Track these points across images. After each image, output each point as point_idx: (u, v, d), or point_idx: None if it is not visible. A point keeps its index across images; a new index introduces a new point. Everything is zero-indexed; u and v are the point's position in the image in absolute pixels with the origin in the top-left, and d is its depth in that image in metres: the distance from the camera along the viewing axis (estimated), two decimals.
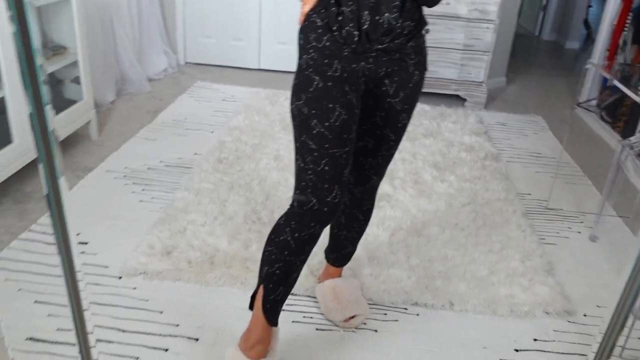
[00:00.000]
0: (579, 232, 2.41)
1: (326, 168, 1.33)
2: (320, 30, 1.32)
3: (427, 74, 4.05)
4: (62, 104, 2.80)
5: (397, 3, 1.27)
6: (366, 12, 1.26)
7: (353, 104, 1.35)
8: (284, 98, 3.60)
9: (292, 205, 1.39)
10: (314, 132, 1.32)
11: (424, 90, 4.11)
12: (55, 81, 2.96)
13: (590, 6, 6.22)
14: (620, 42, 3.60)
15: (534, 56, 5.64)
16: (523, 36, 6.22)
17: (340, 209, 1.41)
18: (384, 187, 2.54)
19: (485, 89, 3.80)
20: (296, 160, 1.38)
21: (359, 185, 1.61)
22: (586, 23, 6.23)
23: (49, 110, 0.83)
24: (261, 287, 1.44)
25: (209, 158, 2.75)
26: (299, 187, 1.37)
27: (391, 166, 2.77)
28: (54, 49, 2.78)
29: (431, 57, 3.68)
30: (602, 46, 3.80)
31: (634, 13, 3.49)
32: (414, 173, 2.73)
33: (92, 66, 3.04)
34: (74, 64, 2.85)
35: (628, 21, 3.54)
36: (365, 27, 1.28)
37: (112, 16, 3.56)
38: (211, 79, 4.06)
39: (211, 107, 3.53)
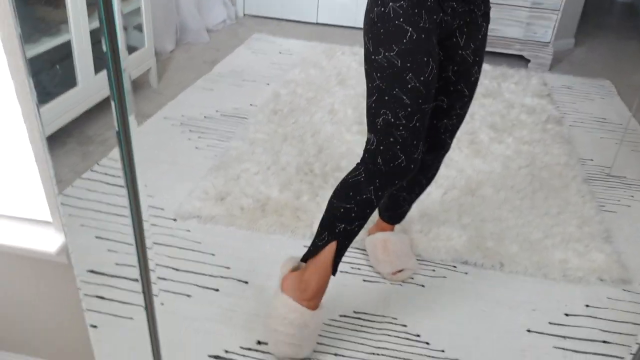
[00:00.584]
0: None
1: (417, 124, 1.28)
2: None
3: (490, 33, 3.91)
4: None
5: None
6: None
7: (438, 57, 1.31)
8: (340, 53, 3.56)
9: (374, 162, 1.32)
10: (409, 86, 1.25)
11: (486, 49, 3.95)
12: None
13: None
14: None
15: (607, 18, 5.32)
16: None
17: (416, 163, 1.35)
18: None
19: (551, 50, 3.62)
20: (380, 115, 1.29)
21: (433, 151, 1.56)
22: None
23: (123, 49, 0.85)
24: (334, 243, 1.40)
25: (264, 109, 2.77)
26: (386, 144, 1.29)
27: None
28: None
29: (495, 14, 3.54)
30: None
31: None
32: (470, 133, 2.66)
33: (154, 15, 3.08)
34: (137, 10, 2.89)
35: None
36: None
37: None
38: (268, 32, 4.05)
39: (268, 59, 3.53)
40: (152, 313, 1.20)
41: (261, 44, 3.79)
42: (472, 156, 2.47)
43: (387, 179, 1.33)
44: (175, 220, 2.00)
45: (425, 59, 1.25)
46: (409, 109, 1.26)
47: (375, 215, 1.86)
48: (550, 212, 2.13)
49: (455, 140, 2.57)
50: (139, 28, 2.96)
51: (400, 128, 1.28)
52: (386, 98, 1.28)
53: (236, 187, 2.13)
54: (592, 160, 2.60)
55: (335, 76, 3.21)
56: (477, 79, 1.45)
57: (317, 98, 2.93)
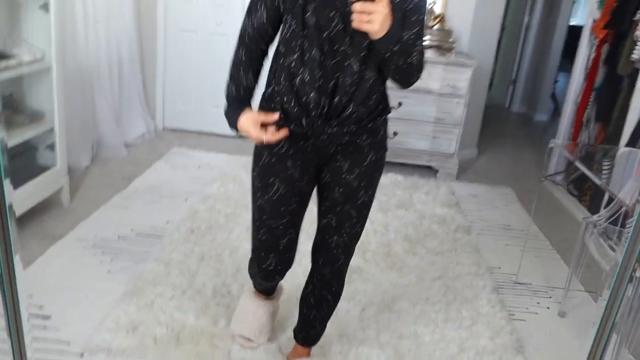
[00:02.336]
0: (548, 308, 2.43)
1: (263, 238, 1.54)
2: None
3: (400, 145, 4.08)
4: (34, 170, 2.78)
5: (350, 89, 1.37)
6: (315, 96, 1.37)
7: (295, 178, 1.46)
8: None
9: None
10: (258, 203, 1.52)
11: (398, 160, 4.14)
12: (29, 148, 2.95)
13: (557, 81, 6.50)
14: (584, 119, 3.75)
15: (505, 128, 5.84)
16: (494, 107, 6.43)
17: (280, 275, 1.60)
18: (355, 260, 2.54)
19: (456, 160, 3.90)
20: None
21: (328, 265, 1.62)
22: (553, 97, 6.48)
23: (7, 184, 0.83)
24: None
25: (180, 227, 2.74)
26: (251, 250, 1.63)
27: (363, 238, 2.77)
28: (32, 116, 2.80)
29: (404, 128, 3.80)
30: (567, 122, 3.96)
31: (596, 92, 3.66)
32: (385, 245, 2.75)
33: (69, 131, 3.03)
34: (50, 130, 2.85)
35: (591, 99, 3.70)
36: (313, 113, 1.38)
37: (92, 81, 3.61)
38: (188, 146, 4.10)
39: (187, 174, 3.54)
40: None
41: (180, 158, 3.82)
42: (388, 269, 2.54)
43: (254, 280, 1.73)
44: (82, 355, 1.87)
45: (271, 180, 1.45)
46: (257, 224, 1.52)
47: (292, 339, 1.84)
48: (463, 324, 2.19)
49: (371, 254, 2.66)
50: (52, 147, 2.91)
51: (253, 239, 1.54)
52: (251, 211, 1.53)
53: (150, 315, 2.05)
54: (499, 268, 2.73)
55: None
56: (365, 202, 1.53)
57: (236, 214, 2.95)
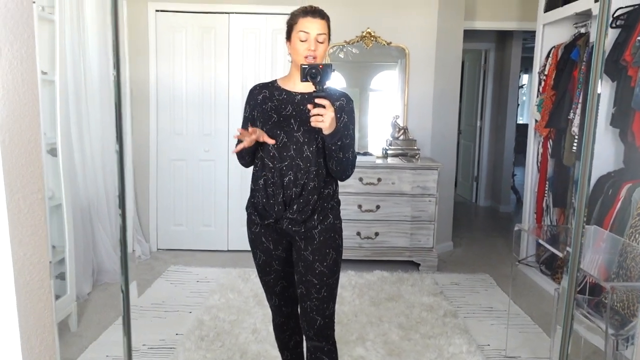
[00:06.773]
0: None
1: (264, 286, 2.08)
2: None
3: (382, 244, 4.41)
4: None
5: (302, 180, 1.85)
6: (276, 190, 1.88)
7: (270, 249, 1.97)
8: (254, 275, 3.87)
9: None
10: (255, 264, 2.04)
11: (382, 258, 4.44)
12: None
13: (515, 174, 7.07)
14: (544, 206, 4.17)
15: (474, 221, 6.25)
16: (462, 204, 6.90)
17: (285, 314, 2.11)
18: (356, 350, 2.76)
19: (435, 253, 4.21)
20: None
21: (310, 329, 1.94)
22: (514, 189, 7.01)
23: None
24: None
25: (190, 337, 2.91)
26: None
27: (360, 330, 3.01)
28: None
29: (384, 229, 4.14)
30: (529, 210, 4.37)
31: (549, 181, 4.11)
32: (382, 334, 2.96)
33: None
34: (60, 261, 3.07)
35: (546, 188, 4.15)
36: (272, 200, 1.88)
37: (91, 213, 3.89)
38: (184, 263, 4.32)
39: (187, 288, 3.75)
40: None
41: (178, 274, 4.04)
42: (388, 355, 2.74)
43: (275, 332, 2.21)
44: None
45: (255, 250, 2.01)
46: (259, 276, 2.07)
47: None
48: None
49: (370, 343, 2.87)
50: (62, 277, 3.11)
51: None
52: None
53: None
54: (489, 345, 2.96)
55: (253, 297, 3.48)
56: (322, 272, 1.91)
57: (239, 320, 3.15)
